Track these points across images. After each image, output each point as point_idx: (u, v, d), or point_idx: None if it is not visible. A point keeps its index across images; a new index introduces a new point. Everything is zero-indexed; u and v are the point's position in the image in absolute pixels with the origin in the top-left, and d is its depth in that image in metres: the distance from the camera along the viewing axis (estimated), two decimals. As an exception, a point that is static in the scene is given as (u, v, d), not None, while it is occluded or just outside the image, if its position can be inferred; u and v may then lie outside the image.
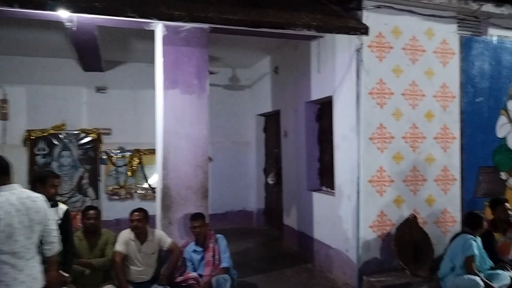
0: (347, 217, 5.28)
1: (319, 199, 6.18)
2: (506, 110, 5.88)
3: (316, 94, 6.16)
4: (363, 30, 4.90)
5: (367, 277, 4.84)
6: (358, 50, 5.07)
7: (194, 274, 4.48)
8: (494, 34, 5.80)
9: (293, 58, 6.91)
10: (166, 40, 4.81)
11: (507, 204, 5.15)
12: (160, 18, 4.31)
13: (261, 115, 8.64)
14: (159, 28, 4.82)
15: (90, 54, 6.71)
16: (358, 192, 5.05)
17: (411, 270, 4.85)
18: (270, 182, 8.11)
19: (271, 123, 8.23)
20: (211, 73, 7.40)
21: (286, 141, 7.33)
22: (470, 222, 4.68)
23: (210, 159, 6.35)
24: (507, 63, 5.87)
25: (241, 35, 5.54)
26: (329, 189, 6.00)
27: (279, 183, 7.64)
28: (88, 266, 4.22)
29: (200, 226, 4.53)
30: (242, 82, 8.72)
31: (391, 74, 5.24)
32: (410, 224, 5.07)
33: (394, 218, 5.16)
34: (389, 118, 5.22)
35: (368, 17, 5.07)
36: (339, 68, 5.51)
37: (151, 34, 5.01)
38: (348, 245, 5.22)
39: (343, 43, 5.36)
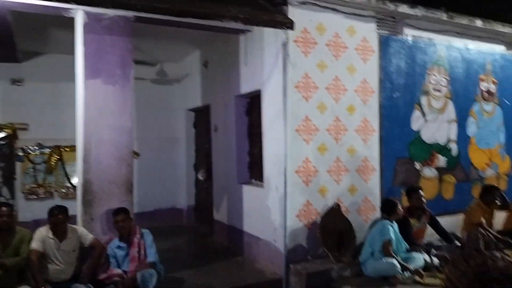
0: (275, 208, 5.37)
1: (248, 192, 6.23)
2: (419, 104, 6.32)
3: (246, 87, 6.20)
4: (289, 24, 5.02)
5: (294, 265, 4.96)
6: (285, 45, 5.18)
7: (118, 271, 4.31)
8: (409, 34, 6.22)
9: (222, 52, 6.91)
10: (87, 28, 4.58)
11: (421, 192, 5.55)
12: (79, 1, 4.09)
13: (191, 110, 8.54)
14: (79, 15, 4.57)
15: (4, 43, 6.21)
16: (285, 183, 5.15)
17: (335, 256, 5.04)
18: (201, 178, 8.03)
19: (201, 118, 8.16)
20: (140, 62, 7.20)
21: (217, 136, 7.30)
22: (386, 208, 4.98)
23: (136, 154, 6.17)
24: (420, 62, 6.32)
25: (169, 26, 5.42)
26: (258, 182, 6.07)
27: (210, 178, 7.60)
28: (0, 266, 3.91)
29: (123, 220, 4.37)
30: (171, 77, 8.56)
31: (316, 69, 5.41)
32: (334, 213, 5.28)
33: (319, 207, 5.34)
34: (314, 111, 5.39)
35: (294, 13, 5.20)
36: (267, 62, 5.60)
37: (72, 23, 4.74)
38: (276, 235, 5.31)
39: (270, 37, 5.45)
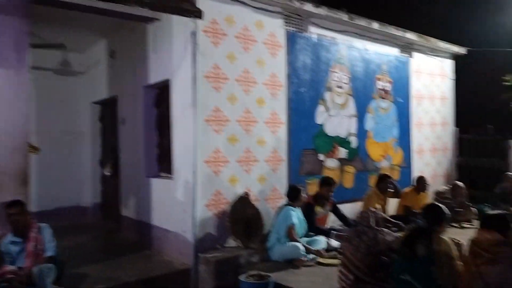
0: (184, 199, 5.33)
1: (158, 185, 6.10)
2: (324, 100, 6.69)
3: (154, 77, 6.08)
4: (197, 13, 5.02)
5: (203, 254, 4.97)
6: (194, 34, 5.17)
7: (11, 268, 3.96)
8: (314, 32, 6.56)
9: (130, 42, 6.69)
10: (-25, 5, 4.17)
11: (333, 187, 5.87)
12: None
13: (96, 103, 8.14)
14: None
15: None
16: (195, 173, 5.14)
17: (243, 243, 5.15)
18: (107, 173, 7.69)
19: (108, 111, 7.82)
20: (41, 46, 6.66)
21: (124, 129, 7.04)
22: (291, 194, 5.20)
23: (35, 149, 5.72)
24: (324, 59, 6.70)
25: (71, 10, 5.14)
26: (168, 174, 5.97)
27: (117, 174, 7.30)
28: None
29: (17, 213, 4.04)
30: (76, 68, 8.10)
31: (225, 60, 5.48)
32: (243, 202, 5.38)
33: (229, 196, 5.41)
34: (224, 102, 5.45)
35: (203, 3, 5.21)
36: (176, 51, 5.54)
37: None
38: (185, 226, 5.27)
39: (179, 26, 5.40)
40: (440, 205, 3.83)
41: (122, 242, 6.51)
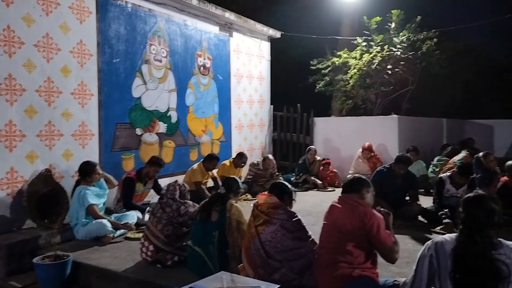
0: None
1: None
2: (141, 72, 6.53)
3: None
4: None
5: (-5, 238, 4.44)
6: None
7: None
8: (129, 1, 6.30)
9: None
10: None
11: (160, 168, 5.77)
12: None
13: None
14: None
15: None
16: (-20, 149, 4.52)
17: (44, 224, 4.75)
18: None
19: None
20: None
21: None
22: (82, 171, 4.90)
23: None
24: (141, 30, 6.51)
25: None
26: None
27: None
28: None
29: None
30: None
31: (20, 22, 4.88)
32: (44, 179, 4.95)
33: (26, 174, 4.92)
34: (19, 68, 4.87)
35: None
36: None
37: None
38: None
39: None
40: (236, 178, 4.12)
41: None
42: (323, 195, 7.58)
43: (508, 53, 13.28)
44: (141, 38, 6.52)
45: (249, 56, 9.25)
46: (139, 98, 6.52)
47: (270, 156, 8.13)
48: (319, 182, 8.27)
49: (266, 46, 9.82)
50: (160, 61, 6.91)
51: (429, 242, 2.38)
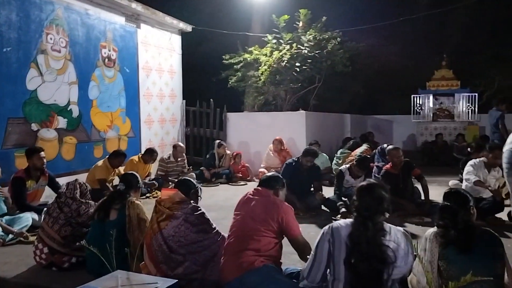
0: None
1: None
2: (36, 63, 6.05)
3: None
4: None
5: None
6: None
7: None
8: (21, -14, 5.79)
9: None
10: None
11: (42, 154, 5.32)
12: None
13: None
14: None
15: None
16: None
17: None
18: None
19: None
20: None
21: None
22: None
23: None
24: (36, 18, 6.03)
25: None
26: None
27: None
28: None
29: None
30: None
31: None
32: None
33: None
34: None
35: None
36: None
37: None
38: None
39: None
40: (134, 173, 3.97)
41: None
42: (235, 189, 7.66)
43: (400, 55, 14.55)
44: (36, 27, 6.03)
45: (159, 49, 9.02)
46: (35, 90, 6.03)
47: (181, 144, 8.01)
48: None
49: (177, 40, 9.65)
50: (59, 51, 6.45)
51: (326, 227, 2.49)
